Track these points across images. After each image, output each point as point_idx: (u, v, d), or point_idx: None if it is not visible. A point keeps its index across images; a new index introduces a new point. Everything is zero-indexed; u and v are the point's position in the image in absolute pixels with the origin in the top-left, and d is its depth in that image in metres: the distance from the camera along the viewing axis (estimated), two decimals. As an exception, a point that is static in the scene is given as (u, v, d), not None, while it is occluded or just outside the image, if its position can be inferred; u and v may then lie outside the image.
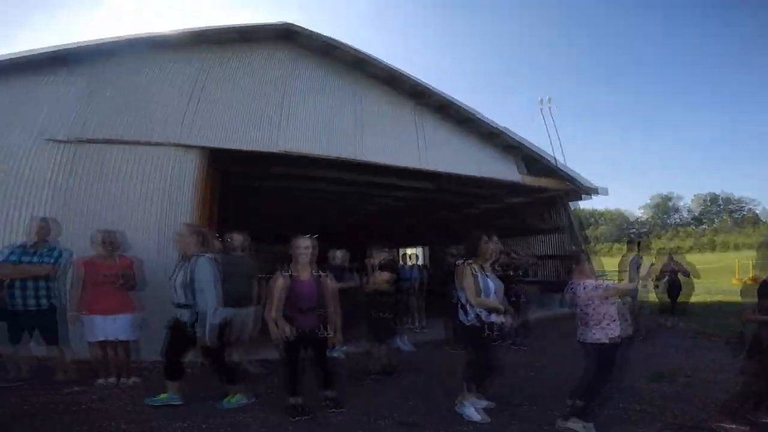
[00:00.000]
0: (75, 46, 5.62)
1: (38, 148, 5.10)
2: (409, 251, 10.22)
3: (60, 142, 5.14)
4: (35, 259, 3.88)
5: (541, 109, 11.44)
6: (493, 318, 3.31)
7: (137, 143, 5.33)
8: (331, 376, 3.61)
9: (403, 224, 15.41)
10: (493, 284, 3.37)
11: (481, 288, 3.28)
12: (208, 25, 6.39)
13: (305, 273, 3.47)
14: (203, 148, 5.59)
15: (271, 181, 8.28)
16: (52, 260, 3.89)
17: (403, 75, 7.25)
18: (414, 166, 7.10)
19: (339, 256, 5.92)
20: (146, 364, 4.55)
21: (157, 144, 5.39)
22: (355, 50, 6.96)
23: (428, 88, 7.46)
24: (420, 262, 8.78)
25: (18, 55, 5.38)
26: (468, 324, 3.32)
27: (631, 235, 54.97)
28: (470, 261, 3.40)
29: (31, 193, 4.94)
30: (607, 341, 3.15)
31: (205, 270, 3.30)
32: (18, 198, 4.89)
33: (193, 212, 5.31)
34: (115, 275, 3.94)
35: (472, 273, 3.31)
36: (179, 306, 3.36)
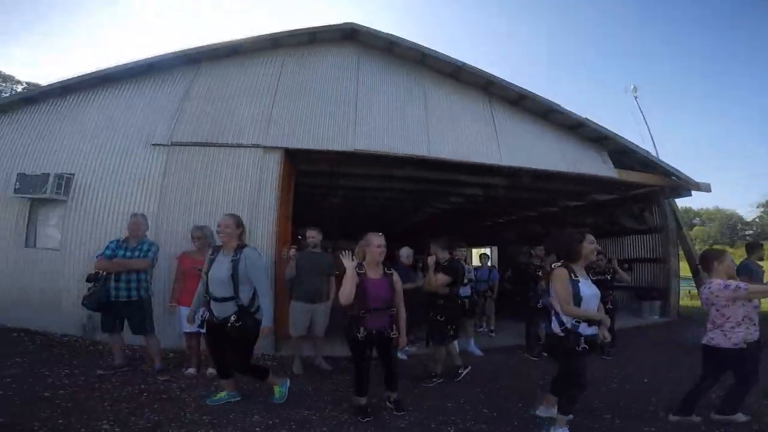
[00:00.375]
0: (167, 55, 6.15)
1: (139, 151, 5.67)
2: (480, 251, 9.79)
3: (157, 145, 5.67)
4: (128, 253, 4.09)
5: (636, 98, 10.32)
6: (589, 330, 2.92)
7: (224, 146, 5.72)
8: (396, 377, 3.52)
9: (474, 223, 14.92)
10: (590, 291, 2.98)
11: (581, 296, 2.90)
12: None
13: (376, 271, 3.39)
14: (282, 149, 5.81)
15: (342, 179, 8.45)
16: (143, 254, 4.12)
17: (471, 68, 6.93)
18: (488, 162, 6.74)
19: (405, 254, 5.85)
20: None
21: (240, 146, 5.72)
22: (419, 46, 6.81)
23: (500, 80, 7.05)
24: (490, 262, 8.40)
25: (119, 66, 6.04)
26: (559, 335, 2.97)
27: (747, 237, 47.43)
28: (565, 264, 3.03)
29: (133, 192, 5.50)
30: (728, 346, 3.04)
31: (258, 260, 3.26)
32: (122, 196, 5.48)
33: (275, 210, 5.54)
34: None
35: (568, 278, 2.93)
36: (218, 300, 3.18)
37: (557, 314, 2.98)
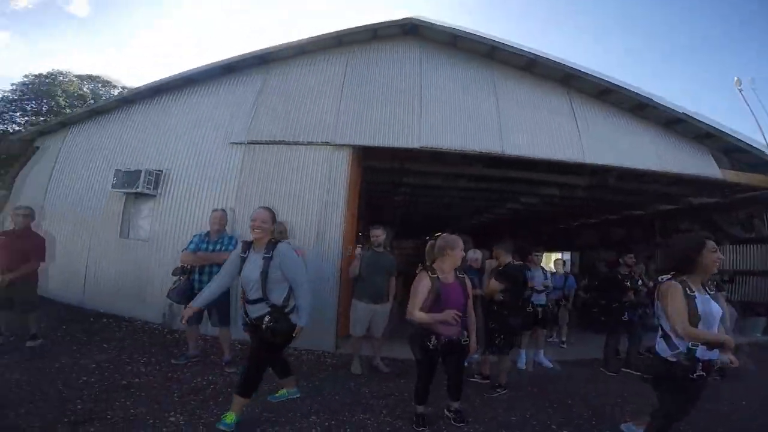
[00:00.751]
0: (242, 56, 6.39)
1: (219, 149, 5.96)
2: (556, 256, 9.09)
3: (235, 144, 5.92)
4: (211, 246, 4.19)
5: (740, 91, 9.01)
6: (709, 354, 2.40)
7: (296, 144, 5.81)
8: (461, 386, 3.28)
9: (547, 225, 14.01)
10: (710, 308, 2.43)
11: (699, 314, 2.39)
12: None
13: (452, 275, 3.16)
14: (351, 147, 5.80)
15: (409, 177, 8.29)
16: (225, 247, 4.21)
17: (547, 60, 6.41)
18: (569, 159, 6.19)
19: (474, 256, 5.53)
20: (294, 351, 4.93)
21: (311, 144, 5.79)
22: (486, 38, 6.44)
23: (582, 72, 6.43)
24: (567, 268, 7.77)
25: (200, 67, 6.40)
26: (670, 360, 2.47)
27: None
28: (678, 276, 2.51)
29: (214, 188, 5.80)
30: None
31: (293, 255, 2.95)
32: (204, 192, 5.80)
33: (344, 208, 5.54)
34: None
35: (687, 293, 2.42)
36: (251, 302, 2.90)
37: (666, 336, 2.52)
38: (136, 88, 6.86)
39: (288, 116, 6.01)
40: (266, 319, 2.81)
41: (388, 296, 4.63)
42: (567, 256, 13.12)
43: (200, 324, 4.33)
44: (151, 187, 5.83)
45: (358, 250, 4.67)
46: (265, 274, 2.80)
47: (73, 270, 6.12)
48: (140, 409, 3.09)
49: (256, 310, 2.87)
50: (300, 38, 6.45)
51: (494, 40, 6.44)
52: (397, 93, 6.20)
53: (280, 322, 2.82)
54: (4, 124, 25.85)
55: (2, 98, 26.35)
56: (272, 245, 2.88)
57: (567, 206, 10.56)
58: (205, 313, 4.21)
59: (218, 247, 4.22)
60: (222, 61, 6.39)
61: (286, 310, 2.87)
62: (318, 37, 6.43)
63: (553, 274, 6.64)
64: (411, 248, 15.41)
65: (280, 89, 6.28)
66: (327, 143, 5.78)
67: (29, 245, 4.28)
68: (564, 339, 6.71)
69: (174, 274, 4.15)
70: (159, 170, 5.97)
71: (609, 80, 6.45)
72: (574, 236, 13.50)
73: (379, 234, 4.64)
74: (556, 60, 6.44)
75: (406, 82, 6.31)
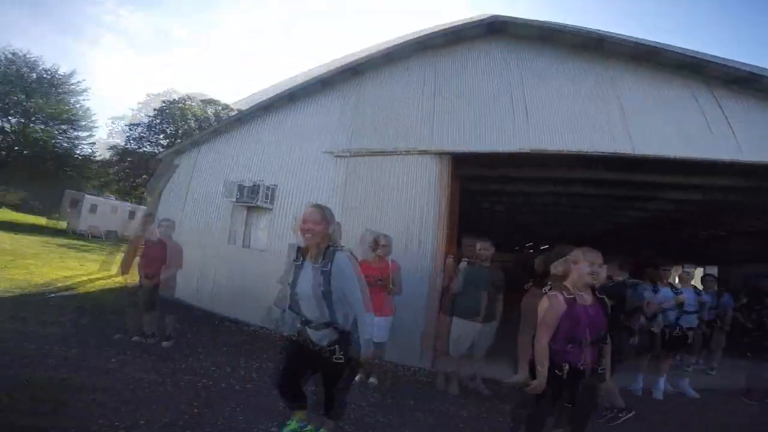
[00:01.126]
0: (334, 70, 6.63)
1: (324, 162, 6.20)
2: (689, 271, 7.60)
3: (339, 156, 6.11)
4: None
5: None
6: None
7: (394, 154, 5.77)
8: (587, 418, 2.73)
9: (680, 235, 11.99)
10: None
11: None
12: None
13: (589, 296, 2.67)
14: (449, 155, 5.56)
15: (511, 184, 7.71)
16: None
17: (662, 48, 5.41)
18: (718, 157, 5.10)
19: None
20: (388, 366, 4.81)
21: (409, 153, 5.69)
22: (584, 30, 5.70)
23: (709, 60, 5.30)
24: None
25: (299, 84, 6.79)
26: None
27: None
28: None
29: (321, 200, 5.99)
30: None
31: (350, 267, 2.37)
32: (305, 205, 6.07)
33: (442, 219, 5.31)
34: (387, 278, 4.12)
35: None
36: (311, 325, 2.40)
37: None
38: (247, 108, 7.51)
39: (385, 126, 6.03)
40: (336, 349, 2.31)
41: (495, 314, 4.29)
42: (697, 270, 11.03)
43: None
44: (268, 201, 6.35)
45: (463, 264, 4.34)
46: (327, 293, 2.30)
47: (201, 276, 6.87)
48: (248, 416, 3.19)
49: (322, 337, 2.37)
50: (385, 46, 6.46)
51: (601, 32, 5.68)
52: (491, 95, 5.80)
53: (349, 351, 2.32)
54: (151, 146, 31.22)
55: (148, 124, 31.83)
56: (330, 254, 2.35)
57: (709, 213, 8.84)
58: None
59: None
60: (316, 77, 6.68)
61: (355, 334, 2.37)
62: (401, 43, 6.36)
63: (702, 292, 5.55)
64: (506, 261, 14.47)
65: (374, 100, 6.33)
66: (424, 152, 5.63)
67: (168, 253, 4.84)
68: (714, 366, 5.92)
69: (280, 282, 4.31)
70: (275, 185, 6.45)
71: (745, 65, 5.19)
72: (716, 248, 11.34)
73: (485, 247, 4.31)
74: (679, 50, 5.40)
75: (499, 82, 5.88)
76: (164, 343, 4.74)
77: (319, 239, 2.36)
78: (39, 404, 2.76)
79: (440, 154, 5.57)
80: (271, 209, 6.42)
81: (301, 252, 2.46)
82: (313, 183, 6.21)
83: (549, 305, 2.55)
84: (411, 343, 5.02)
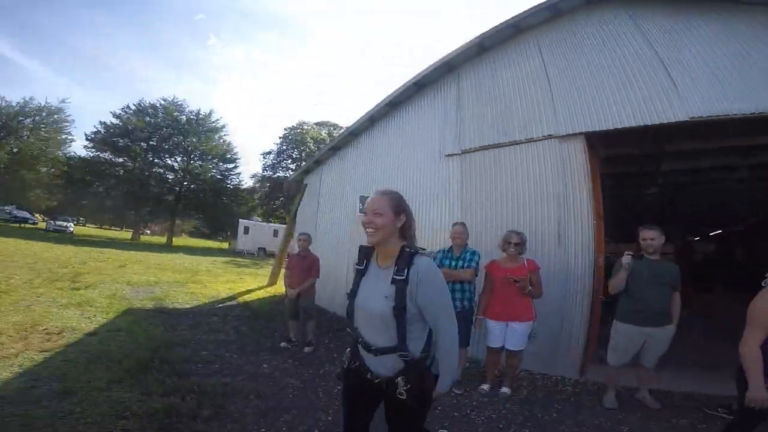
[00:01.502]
0: (428, 69, 6.40)
1: (437, 164, 6.06)
2: None
3: (450, 156, 5.92)
4: (454, 263, 4.03)
5: None
6: None
7: (512, 144, 5.32)
8: None
9: None
10: None
11: None
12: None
13: None
14: (582, 134, 4.87)
15: (660, 162, 6.49)
16: (466, 263, 4.02)
17: None
18: None
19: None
20: (524, 374, 4.41)
21: (530, 141, 5.17)
22: None
23: None
24: None
25: (396, 92, 6.77)
26: None
27: None
28: None
29: (440, 204, 5.89)
30: None
31: (439, 279, 1.72)
32: (432, 208, 5.94)
33: (586, 207, 4.66)
34: (523, 280, 3.76)
35: None
36: (371, 349, 1.72)
37: None
38: (354, 122, 7.82)
39: (495, 117, 5.62)
40: (400, 382, 1.66)
41: (670, 317, 3.54)
42: None
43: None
44: None
45: (627, 258, 3.60)
46: (399, 310, 1.64)
47: (336, 284, 7.31)
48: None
49: (382, 366, 1.72)
50: (474, 36, 6.01)
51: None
52: (618, 64, 4.86)
53: (419, 385, 1.67)
54: (282, 171, 35.72)
55: (277, 150, 36.55)
56: (406, 258, 1.69)
57: None
58: None
59: (461, 263, 4.05)
60: (411, 79, 6.59)
61: (428, 362, 1.73)
62: (492, 29, 5.83)
63: None
64: (666, 254, 12.19)
65: (477, 93, 5.98)
66: (549, 136, 5.04)
67: (309, 264, 5.24)
68: None
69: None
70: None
71: None
72: None
73: (654, 236, 3.57)
74: None
75: (624, 50, 4.89)
76: (306, 349, 5.09)
77: (386, 235, 1.74)
78: (203, 409, 3.04)
79: (572, 136, 4.92)
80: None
81: (367, 254, 1.88)
82: (427, 187, 6.11)
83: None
84: (555, 350, 4.51)
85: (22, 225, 28.07)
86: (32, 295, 6.24)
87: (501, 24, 5.81)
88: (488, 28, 5.94)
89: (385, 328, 1.68)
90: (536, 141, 5.15)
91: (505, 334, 3.86)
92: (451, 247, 4.18)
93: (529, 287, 3.77)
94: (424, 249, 1.78)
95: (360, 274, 1.84)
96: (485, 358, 4.17)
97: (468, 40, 6.11)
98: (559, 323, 4.50)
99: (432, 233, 5.70)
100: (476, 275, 4.03)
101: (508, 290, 3.81)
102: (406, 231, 1.78)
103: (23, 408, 2.68)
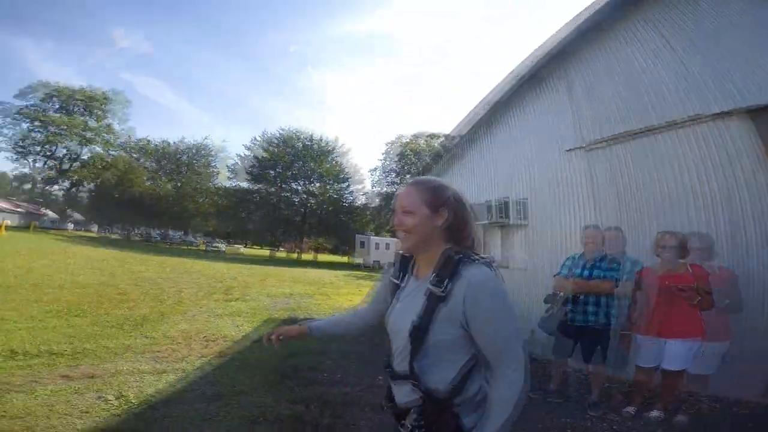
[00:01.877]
0: (528, 62, 5.91)
1: (559, 163, 5.51)
2: None
3: (573, 151, 5.32)
4: (586, 271, 3.58)
5: None
6: None
7: (648, 131, 4.52)
8: None
9: None
10: None
11: None
12: None
13: None
14: (741, 112, 3.88)
15: None
16: (604, 273, 3.51)
17: None
18: None
19: None
20: (684, 396, 3.53)
21: (673, 124, 4.34)
22: None
23: None
24: None
25: (504, 90, 6.36)
26: None
27: None
28: None
29: (570, 205, 5.32)
30: None
31: (496, 294, 1.20)
32: (557, 211, 5.46)
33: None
34: (689, 289, 3.08)
35: None
36: (393, 374, 1.35)
37: None
38: (467, 130, 7.54)
39: (619, 102, 4.89)
40: (412, 415, 1.27)
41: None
42: None
43: (570, 357, 3.79)
44: (521, 217, 6.05)
45: None
46: (420, 329, 1.23)
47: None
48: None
49: (399, 394, 1.35)
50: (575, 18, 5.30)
51: None
52: None
53: (439, 425, 1.23)
54: (388, 186, 37.88)
55: (382, 167, 39.02)
56: (450, 266, 1.22)
57: None
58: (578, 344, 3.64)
59: (595, 272, 3.54)
60: (517, 76, 6.13)
61: (455, 401, 1.23)
62: (587, 10, 5.10)
63: None
64: None
65: (588, 80, 5.35)
66: (698, 116, 4.10)
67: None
68: None
69: (546, 301, 3.78)
70: (524, 198, 6.06)
71: None
72: None
73: None
74: None
75: None
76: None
77: (422, 239, 1.30)
78: (324, 418, 3.15)
79: (732, 114, 3.93)
80: (526, 225, 5.98)
81: (405, 263, 1.44)
82: (553, 188, 5.56)
83: None
84: (753, 373, 3.57)
85: (189, 247, 35.33)
86: (196, 306, 7.45)
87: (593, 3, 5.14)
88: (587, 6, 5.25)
89: (405, 350, 1.29)
90: (687, 124, 4.25)
91: (663, 351, 3.24)
92: (582, 253, 3.70)
93: (698, 297, 3.08)
94: (483, 256, 1.28)
95: (396, 287, 1.42)
96: (633, 377, 3.60)
97: (566, 24, 5.50)
98: (755, 341, 3.55)
99: (565, 239, 5.25)
100: (618, 286, 3.49)
101: (665, 301, 3.19)
102: (457, 232, 1.30)
103: (179, 409, 3.09)
